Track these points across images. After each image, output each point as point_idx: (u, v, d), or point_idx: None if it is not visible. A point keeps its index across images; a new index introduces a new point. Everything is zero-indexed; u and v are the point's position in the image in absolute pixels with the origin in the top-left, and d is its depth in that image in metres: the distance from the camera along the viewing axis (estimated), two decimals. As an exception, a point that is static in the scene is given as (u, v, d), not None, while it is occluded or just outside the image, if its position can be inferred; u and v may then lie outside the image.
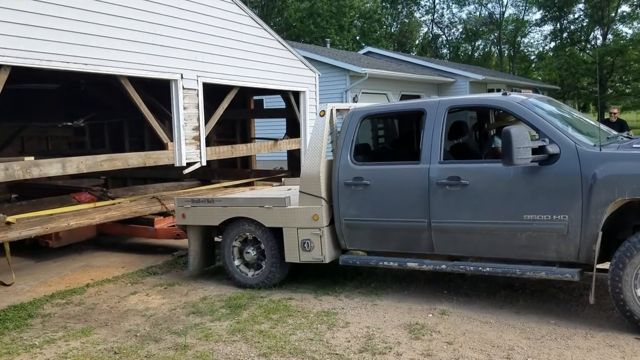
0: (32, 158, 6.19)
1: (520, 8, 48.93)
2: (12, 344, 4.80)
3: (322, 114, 5.83)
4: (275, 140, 10.46)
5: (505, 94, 5.30)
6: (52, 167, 6.39)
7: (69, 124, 11.05)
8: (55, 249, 7.94)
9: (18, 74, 5.98)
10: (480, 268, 5.09)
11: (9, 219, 6.41)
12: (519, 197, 4.81)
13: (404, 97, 19.80)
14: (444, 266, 5.29)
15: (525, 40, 50.77)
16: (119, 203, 8.14)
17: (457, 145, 6.06)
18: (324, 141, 5.74)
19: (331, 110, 5.90)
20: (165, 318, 5.40)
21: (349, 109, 6.00)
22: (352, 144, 5.70)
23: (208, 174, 11.01)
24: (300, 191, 5.87)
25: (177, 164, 8.02)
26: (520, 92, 5.84)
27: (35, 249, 7.94)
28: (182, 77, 7.77)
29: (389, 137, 7.13)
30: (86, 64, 6.46)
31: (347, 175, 5.64)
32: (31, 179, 6.30)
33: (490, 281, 6.03)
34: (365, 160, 5.84)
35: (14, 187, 9.47)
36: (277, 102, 12.68)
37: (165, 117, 8.40)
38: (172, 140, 7.92)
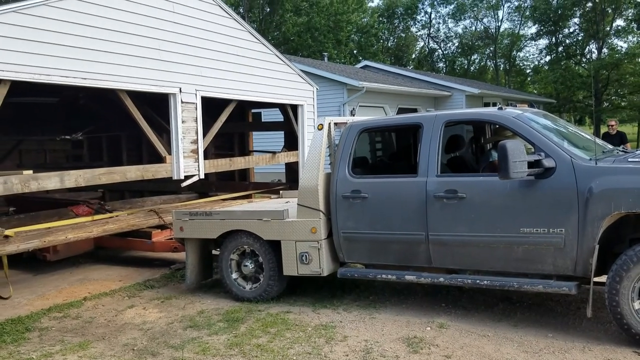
0: (30, 172, 6.19)
1: (516, 22, 49.42)
2: (9, 358, 4.79)
3: (320, 127, 5.87)
4: (274, 153, 10.50)
5: (500, 108, 5.35)
6: (51, 181, 6.39)
7: (67, 137, 11.09)
8: (53, 262, 7.92)
9: (17, 87, 6.02)
10: (477, 281, 5.11)
11: (7, 232, 6.40)
12: (516, 210, 4.84)
13: (401, 110, 19.93)
14: (442, 279, 5.30)
15: (521, 54, 51.19)
16: (116, 216, 8.13)
17: (454, 159, 6.10)
18: (322, 154, 5.78)
19: (329, 123, 5.94)
20: (163, 332, 5.38)
21: (346, 123, 6.05)
22: (350, 157, 5.73)
23: (206, 186, 11.04)
24: (298, 204, 5.88)
25: (175, 177, 8.04)
26: (516, 106, 5.89)
27: (33, 262, 7.92)
28: (180, 91, 7.82)
29: (386, 151, 7.17)
30: (85, 79, 6.50)
31: (345, 188, 5.66)
32: (27, 192, 6.30)
33: (488, 294, 6.03)
34: (363, 173, 5.87)
35: (12, 201, 9.46)
36: (275, 115, 12.74)
37: (164, 130, 8.44)
38: (170, 154, 7.94)
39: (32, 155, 12.27)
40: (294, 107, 10.47)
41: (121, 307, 6.23)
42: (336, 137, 6.11)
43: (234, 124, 10.94)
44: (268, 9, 37.50)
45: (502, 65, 51.24)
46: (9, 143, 11.50)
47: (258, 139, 13.26)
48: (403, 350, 4.69)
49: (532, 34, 47.10)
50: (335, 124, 6.12)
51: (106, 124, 11.68)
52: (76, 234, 7.25)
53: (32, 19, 5.93)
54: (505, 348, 4.63)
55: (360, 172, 5.84)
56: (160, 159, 8.00)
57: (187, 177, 8.17)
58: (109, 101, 9.34)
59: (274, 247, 6.03)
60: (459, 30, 57.64)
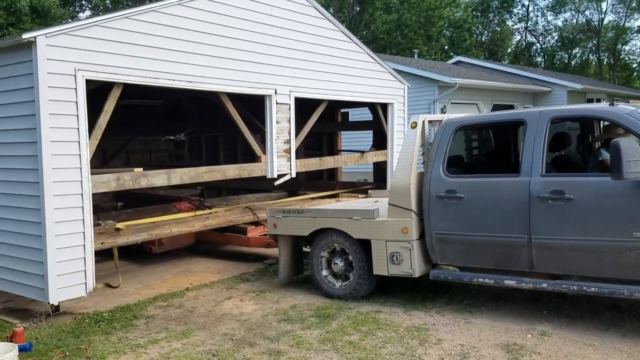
0: (140, 169, 6.64)
1: (621, 15, 45.76)
2: (119, 343, 5.15)
3: (414, 125, 5.77)
4: (362, 152, 10.48)
5: (612, 104, 4.98)
6: (159, 178, 6.82)
7: (171, 137, 11.75)
8: (157, 254, 8.44)
9: (127, 90, 6.46)
10: (584, 288, 4.80)
11: (118, 225, 6.90)
12: (629, 213, 4.51)
13: (496, 107, 19.14)
14: (544, 285, 5.04)
15: (627, 47, 47.34)
16: (215, 212, 8.51)
17: (560, 158, 5.76)
18: (414, 153, 5.68)
19: (423, 121, 5.83)
20: (258, 324, 5.56)
21: (441, 120, 5.91)
22: (445, 155, 5.59)
23: (295, 185, 11.23)
24: (389, 203, 5.83)
25: (269, 176, 8.28)
26: (628, 102, 5.46)
27: (139, 254, 8.48)
28: (275, 93, 8.02)
29: (483, 149, 6.91)
30: (190, 82, 6.86)
31: (439, 188, 5.53)
32: (136, 188, 6.74)
33: (594, 301, 5.65)
34: (459, 172, 5.71)
35: (120, 196, 10.18)
36: (363, 115, 12.72)
37: (258, 130, 8.70)
38: (264, 153, 8.19)
39: (138, 155, 13.14)
40: (384, 106, 10.39)
41: (220, 298, 6.50)
42: (429, 135, 5.98)
43: (323, 123, 11.05)
44: (357, 8, 37.57)
45: (605, 60, 47.71)
46: (118, 143, 12.39)
47: (344, 138, 13.30)
48: (502, 357, 4.50)
49: (638, 26, 43.45)
50: (429, 121, 6.00)
51: (205, 125, 12.25)
52: (179, 228, 7.68)
53: (142, 25, 6.33)
54: (612, 358, 4.32)
55: (455, 171, 5.68)
56: (253, 159, 8.27)
57: (279, 176, 8.37)
58: (208, 103, 9.80)
59: (364, 246, 6.03)
60: (559, 23, 54.29)
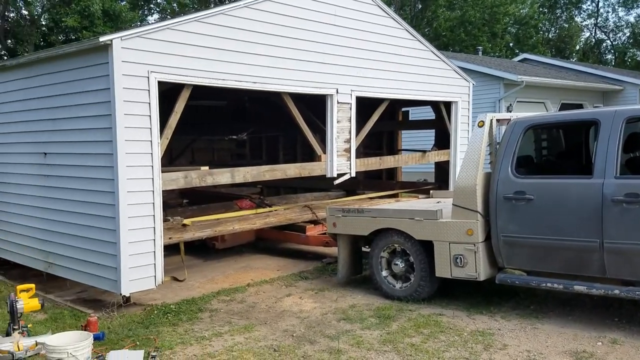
0: (206, 168, 6.84)
1: (703, 6, 42.68)
2: (185, 335, 5.33)
3: (481, 124, 5.63)
4: (424, 151, 10.33)
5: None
6: (223, 176, 7.01)
7: (234, 137, 12.05)
8: (219, 250, 8.67)
9: (193, 91, 6.66)
10: (662, 297, 4.52)
11: (185, 221, 7.15)
12: None
13: (564, 107, 18.41)
14: (616, 291, 4.81)
15: None
16: (275, 210, 8.65)
17: (635, 159, 5.45)
18: (481, 153, 5.55)
19: (491, 120, 5.68)
20: (318, 321, 5.60)
21: (509, 119, 5.74)
22: (514, 155, 5.43)
23: (353, 184, 11.22)
24: (453, 204, 5.72)
25: (329, 175, 8.32)
26: None
27: (203, 250, 8.74)
28: (337, 92, 8.05)
29: (554, 149, 6.65)
30: (255, 82, 7.00)
31: (507, 189, 5.38)
32: (201, 186, 6.95)
33: (674, 312, 5.32)
34: (528, 173, 5.53)
35: (184, 194, 10.53)
36: (423, 114, 12.53)
37: (317, 130, 8.76)
38: (324, 153, 8.23)
39: (202, 154, 13.55)
40: (448, 104, 10.21)
41: (280, 295, 6.60)
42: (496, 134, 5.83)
43: (384, 122, 10.98)
44: (420, 6, 37.03)
45: (684, 57, 44.65)
46: (184, 142, 12.82)
47: (404, 137, 13.15)
48: (571, 365, 4.33)
49: None
50: (497, 120, 5.84)
51: (266, 125, 12.47)
52: (242, 225, 7.86)
53: (211, 27, 6.52)
54: (697, 376, 4.05)
55: (524, 172, 5.51)
56: (313, 158, 8.33)
57: (339, 175, 8.40)
58: (269, 103, 9.95)
59: (426, 247, 5.95)
60: (631, 19, 51.45)
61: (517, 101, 17.07)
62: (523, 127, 5.51)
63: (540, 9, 44.45)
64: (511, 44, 39.60)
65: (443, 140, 10.61)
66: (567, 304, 5.80)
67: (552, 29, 48.95)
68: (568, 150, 6.54)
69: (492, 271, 5.65)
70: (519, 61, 24.24)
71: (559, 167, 6.05)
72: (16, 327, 4.91)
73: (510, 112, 15.75)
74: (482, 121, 5.65)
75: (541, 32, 45.32)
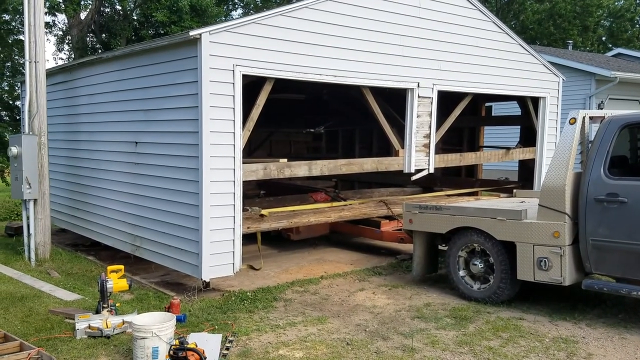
0: (285, 160, 6.96)
1: None
2: (260, 322, 5.46)
3: (573, 121, 5.33)
4: (508, 149, 9.93)
5: None
6: (301, 169, 7.10)
7: (312, 130, 12.18)
8: (294, 242, 8.80)
9: (275, 85, 6.77)
10: None
11: (263, 212, 7.32)
12: None
13: (662, 105, 17.08)
14: None
15: None
16: (350, 204, 8.65)
17: None
18: (572, 151, 5.26)
19: (583, 117, 5.37)
20: (391, 318, 5.55)
21: (604, 117, 5.39)
22: (608, 155, 5.11)
23: (430, 181, 11.00)
24: (539, 205, 5.47)
25: (407, 170, 8.20)
26: None
27: (278, 240, 8.92)
28: (418, 86, 7.91)
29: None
30: (335, 76, 7.02)
31: (598, 190, 5.08)
32: (278, 178, 7.07)
33: None
34: (622, 174, 5.19)
35: (261, 185, 10.78)
36: (507, 109, 12.04)
37: (395, 124, 8.65)
38: (402, 147, 8.11)
39: (280, 146, 13.80)
40: (535, 100, 9.75)
41: (353, 289, 6.61)
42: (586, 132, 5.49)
43: (465, 117, 10.68)
44: (506, -1, 35.65)
45: None
46: (263, 134, 13.12)
47: (486, 134, 12.69)
48: (667, 383, 4.02)
49: None
50: (590, 117, 5.51)
51: (343, 119, 12.49)
52: (317, 217, 7.93)
53: (294, 21, 6.61)
54: None
55: (618, 173, 5.17)
56: (388, 152, 8.24)
57: (417, 171, 8.26)
58: (348, 97, 9.96)
59: (508, 248, 5.74)
60: None
61: (610, 98, 16.04)
62: (618, 126, 5.17)
63: (637, 1, 41.37)
64: (604, 38, 37.16)
65: (528, 138, 10.17)
66: (662, 317, 5.40)
67: (652, 21, 45.39)
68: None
69: (578, 276, 5.36)
70: (612, 56, 22.73)
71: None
72: (105, 305, 5.25)
73: (602, 109, 14.83)
74: (574, 118, 5.34)
75: (637, 26, 42.15)
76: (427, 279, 6.94)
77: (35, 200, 7.85)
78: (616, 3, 37.21)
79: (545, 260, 5.37)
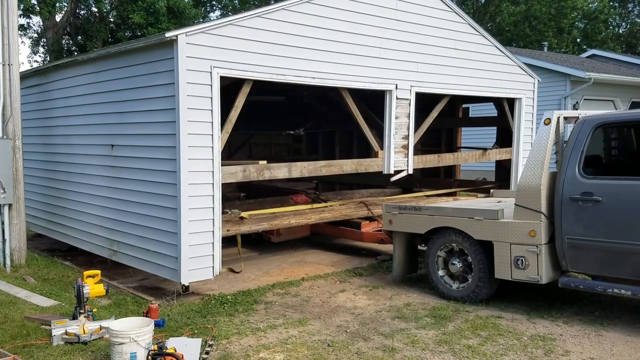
0: (264, 162, 6.93)
1: None
2: (241, 325, 5.42)
3: (548, 121, 5.42)
4: (484, 149, 10.06)
5: None
6: (281, 171, 7.08)
7: (291, 132, 12.17)
8: (274, 244, 8.77)
9: (254, 87, 6.74)
10: None
11: (243, 214, 7.28)
12: None
13: (634, 105, 17.52)
14: (694, 302, 4.49)
15: None
16: (330, 206, 8.66)
17: None
18: (547, 151, 5.34)
19: (558, 117, 5.46)
20: (372, 318, 5.57)
21: (578, 117, 5.49)
22: (582, 155, 5.20)
23: (410, 182, 11.08)
24: (515, 204, 5.54)
25: (386, 172, 8.24)
26: None
27: (258, 243, 8.88)
28: (396, 88, 7.96)
29: (624, 149, 6.32)
30: (314, 77, 7.02)
31: (573, 190, 5.16)
32: (258, 180, 7.04)
33: None
34: (597, 173, 5.28)
35: (242, 187, 10.72)
36: (484, 110, 12.20)
37: (374, 126, 8.68)
38: (382, 149, 8.15)
39: (260, 148, 13.75)
40: (511, 101, 9.89)
41: (334, 290, 6.61)
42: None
43: (443, 119, 10.77)
44: (483, 1, 36.07)
45: None
46: (243, 137, 13.06)
47: (463, 135, 12.83)
48: (641, 377, 4.10)
49: None
50: (565, 118, 5.60)
51: (323, 120, 12.50)
52: (297, 219, 7.92)
53: (272, 23, 6.58)
54: None
55: (592, 172, 5.26)
56: (369, 154, 8.28)
57: (396, 172, 8.31)
58: (328, 99, 9.97)
59: (485, 247, 5.80)
60: None
61: (584, 99, 16.37)
62: (592, 126, 5.26)
63: (611, 3, 42.29)
64: (579, 40, 37.91)
65: (505, 138, 10.31)
66: (635, 312, 5.52)
67: (623, 24, 46.41)
68: (640, 150, 6.19)
69: (555, 274, 5.44)
70: (586, 57, 23.20)
71: (629, 168, 5.73)
72: (82, 311, 5.17)
73: (577, 109, 15.11)
74: (548, 118, 5.43)
75: (611, 28, 43.10)
76: (407, 279, 6.98)
77: (10, 205, 7.70)
78: (590, 5, 37.99)
79: (522, 259, 5.44)
